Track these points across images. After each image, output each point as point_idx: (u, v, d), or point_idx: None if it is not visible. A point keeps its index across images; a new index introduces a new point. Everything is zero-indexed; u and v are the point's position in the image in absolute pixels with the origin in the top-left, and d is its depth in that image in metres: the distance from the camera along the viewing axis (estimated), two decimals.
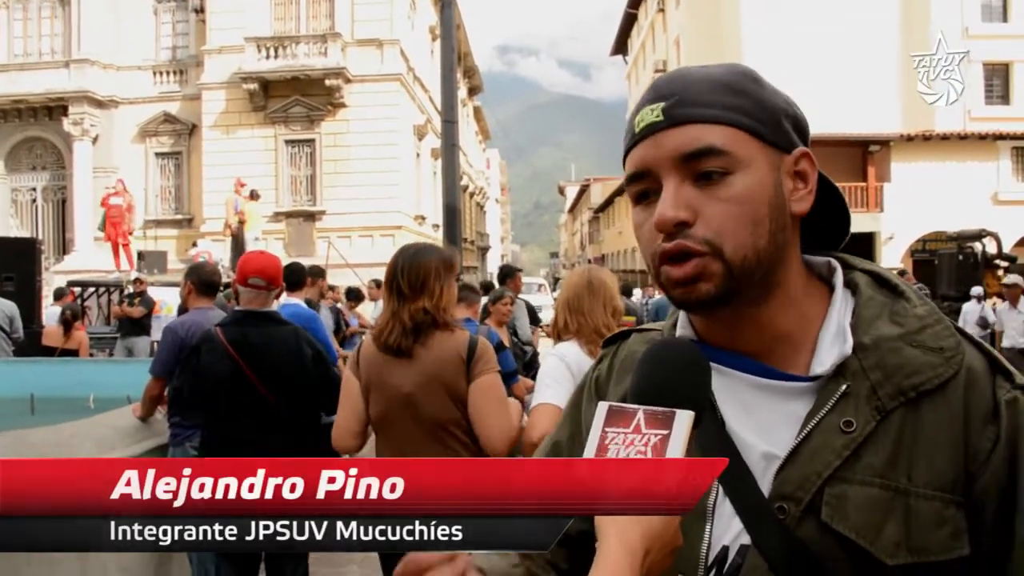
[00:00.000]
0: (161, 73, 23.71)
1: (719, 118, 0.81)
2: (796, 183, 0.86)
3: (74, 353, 9.07)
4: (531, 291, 19.98)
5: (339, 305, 9.00)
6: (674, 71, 0.89)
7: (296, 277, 5.30)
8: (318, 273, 6.01)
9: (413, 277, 2.42)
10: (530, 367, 6.96)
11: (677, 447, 0.71)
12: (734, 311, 0.85)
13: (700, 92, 0.83)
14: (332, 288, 9.17)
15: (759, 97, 0.84)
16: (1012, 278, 9.89)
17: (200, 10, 22.88)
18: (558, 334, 2.84)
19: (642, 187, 0.85)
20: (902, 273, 13.47)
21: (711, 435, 0.82)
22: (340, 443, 2.59)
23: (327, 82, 21.36)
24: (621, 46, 47.22)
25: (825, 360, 0.83)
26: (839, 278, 0.90)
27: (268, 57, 21.58)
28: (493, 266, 52.42)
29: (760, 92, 0.85)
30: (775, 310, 0.86)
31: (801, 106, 0.90)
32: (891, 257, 22.77)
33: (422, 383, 2.39)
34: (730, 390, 0.86)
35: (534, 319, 8.28)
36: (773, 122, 0.84)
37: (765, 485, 0.81)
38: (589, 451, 0.75)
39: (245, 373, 2.95)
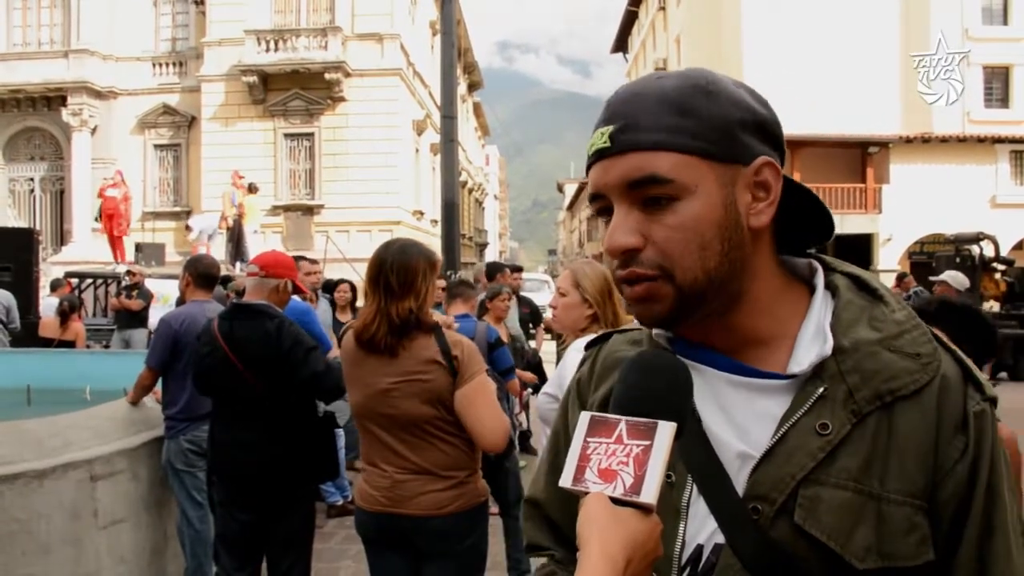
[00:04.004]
0: (160, 65, 23.65)
1: (663, 144, 0.81)
2: (757, 194, 0.85)
3: (71, 344, 9.06)
4: (536, 288, 19.11)
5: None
6: (629, 87, 0.88)
7: None
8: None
9: (402, 275, 2.40)
10: (535, 369, 6.86)
11: (658, 458, 0.71)
12: (699, 320, 0.86)
13: (647, 116, 0.82)
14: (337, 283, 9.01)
15: (709, 114, 0.82)
16: (942, 276, 8.53)
17: (200, 2, 22.82)
18: (583, 329, 2.76)
19: (600, 205, 0.88)
20: (903, 276, 13.42)
21: (688, 433, 0.82)
22: None
23: (327, 76, 21.31)
24: (621, 44, 47.06)
25: (803, 360, 0.83)
26: (820, 279, 0.90)
27: (268, 50, 21.52)
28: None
29: (711, 107, 0.82)
30: (743, 316, 0.87)
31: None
32: (889, 259, 22.78)
33: (399, 382, 2.38)
34: (707, 387, 0.86)
35: (536, 319, 8.12)
36: (725, 138, 0.82)
37: (740, 484, 0.82)
38: (571, 461, 0.76)
39: (233, 363, 3.04)
